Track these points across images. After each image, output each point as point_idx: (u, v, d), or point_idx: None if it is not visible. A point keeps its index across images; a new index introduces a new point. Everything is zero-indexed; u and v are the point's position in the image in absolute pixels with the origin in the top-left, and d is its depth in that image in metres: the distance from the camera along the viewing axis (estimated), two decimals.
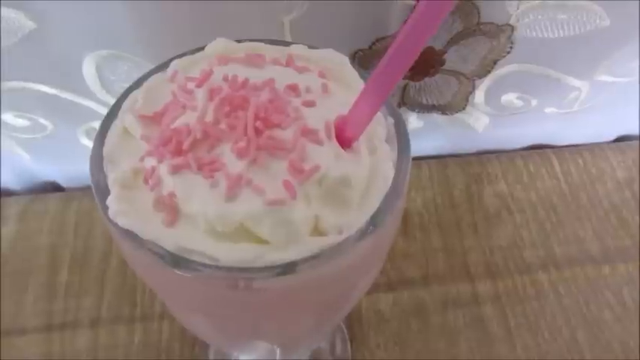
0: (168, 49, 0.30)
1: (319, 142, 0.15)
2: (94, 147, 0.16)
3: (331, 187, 0.15)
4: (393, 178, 0.16)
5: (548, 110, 0.39)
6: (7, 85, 0.32)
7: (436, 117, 0.38)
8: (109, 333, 0.35)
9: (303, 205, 0.14)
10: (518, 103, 0.37)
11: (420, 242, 0.39)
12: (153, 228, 0.14)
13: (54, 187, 0.42)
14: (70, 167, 0.39)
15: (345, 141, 0.16)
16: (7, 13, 0.28)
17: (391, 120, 0.17)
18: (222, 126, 0.15)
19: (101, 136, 0.16)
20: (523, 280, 0.37)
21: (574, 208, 0.41)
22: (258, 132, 0.14)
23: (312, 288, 0.15)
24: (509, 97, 0.37)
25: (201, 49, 0.19)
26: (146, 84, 0.17)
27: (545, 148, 0.44)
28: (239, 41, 0.19)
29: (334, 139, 0.15)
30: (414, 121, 0.38)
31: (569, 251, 0.39)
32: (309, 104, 0.16)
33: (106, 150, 0.16)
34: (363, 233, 0.15)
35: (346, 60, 0.18)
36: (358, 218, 0.15)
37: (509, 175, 0.42)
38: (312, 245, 0.14)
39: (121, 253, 0.16)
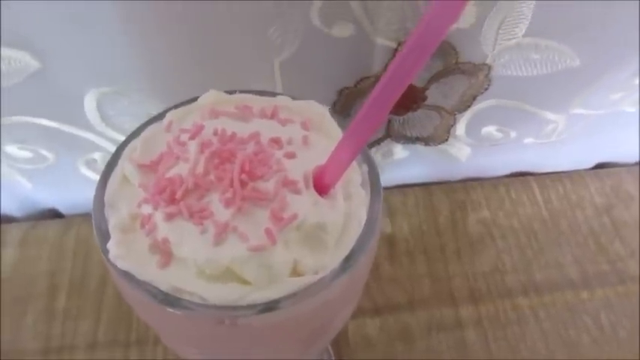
0: (167, 87, 0.33)
1: (298, 192, 0.16)
2: (96, 192, 0.18)
3: (309, 232, 0.16)
4: (366, 221, 0.18)
5: (527, 141, 0.41)
6: (12, 119, 0.34)
7: (420, 147, 0.40)
8: (106, 356, 0.36)
9: (282, 250, 0.16)
10: (498, 134, 0.39)
11: (406, 268, 0.41)
12: (148, 270, 0.16)
13: (54, 214, 0.43)
14: (70, 195, 0.41)
15: (323, 188, 0.18)
16: (13, 53, 0.30)
17: (365, 167, 0.19)
18: (212, 177, 0.16)
19: (103, 183, 0.18)
20: (504, 305, 0.39)
21: (554, 234, 0.43)
22: (243, 184, 0.16)
23: (292, 323, 0.17)
24: (489, 130, 0.39)
25: (195, 99, 0.21)
26: (144, 134, 0.19)
27: (527, 175, 0.46)
28: (230, 92, 0.21)
29: (312, 188, 0.17)
30: (399, 151, 0.40)
31: (549, 276, 0.41)
32: (290, 156, 0.17)
33: (107, 196, 0.18)
34: (337, 273, 0.16)
35: (326, 111, 0.20)
36: (333, 259, 0.17)
37: (492, 202, 0.44)
38: (291, 285, 0.16)
39: (118, 289, 0.18)
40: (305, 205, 0.16)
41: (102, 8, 0.27)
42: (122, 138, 0.36)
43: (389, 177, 0.44)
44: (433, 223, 0.43)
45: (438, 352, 0.37)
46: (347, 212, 0.18)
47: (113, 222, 0.17)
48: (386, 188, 0.45)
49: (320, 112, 0.20)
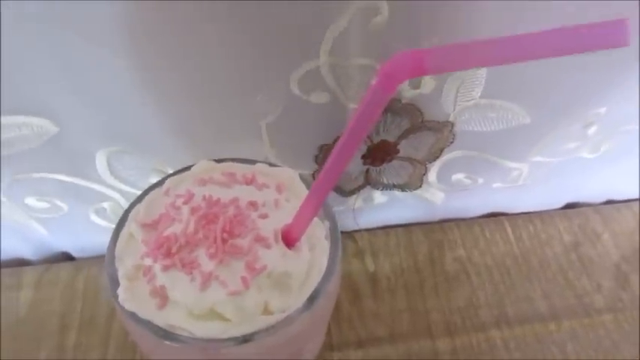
0: (168, 145, 0.37)
1: (268, 247, 0.21)
2: (108, 248, 0.22)
3: (277, 279, 0.21)
4: (326, 268, 0.22)
5: (495, 185, 0.45)
6: (32, 175, 0.38)
7: (398, 193, 0.45)
8: None
9: (255, 294, 0.20)
10: (467, 181, 0.43)
11: (388, 303, 0.45)
12: (149, 310, 0.20)
13: (66, 257, 0.48)
14: (81, 240, 0.46)
15: (290, 242, 0.22)
16: (35, 120, 0.35)
17: (327, 223, 0.23)
18: (200, 235, 0.21)
19: (114, 240, 0.22)
20: (478, 338, 0.43)
21: (525, 271, 0.47)
22: (224, 241, 0.20)
23: (265, 353, 0.21)
24: (459, 177, 0.43)
25: (189, 168, 0.25)
26: (147, 198, 0.24)
27: (500, 215, 0.50)
28: (219, 161, 0.26)
29: (281, 243, 0.21)
30: (378, 196, 0.45)
31: (519, 310, 0.44)
32: (264, 216, 0.22)
33: (117, 251, 0.22)
34: (301, 311, 0.21)
35: (296, 175, 0.25)
36: (297, 300, 0.21)
37: (467, 241, 0.48)
38: (262, 323, 0.20)
39: (124, 326, 0.22)
40: (274, 257, 0.21)
41: (112, 81, 0.32)
42: (128, 189, 0.41)
43: (372, 219, 0.48)
44: (413, 262, 0.47)
45: None
46: (310, 261, 0.22)
47: (121, 272, 0.21)
48: (369, 229, 0.49)
49: (291, 176, 0.25)
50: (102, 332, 0.43)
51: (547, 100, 0.37)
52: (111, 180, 0.40)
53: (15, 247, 0.46)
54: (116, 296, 0.20)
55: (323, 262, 0.22)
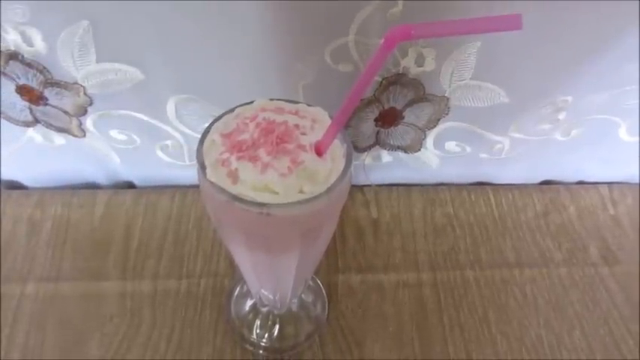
0: (223, 97, 0.49)
1: (305, 151, 0.32)
2: (198, 148, 0.34)
3: (309, 173, 0.32)
4: (341, 173, 0.33)
5: (482, 155, 0.56)
6: (119, 112, 0.50)
7: (401, 155, 0.56)
8: (164, 284, 0.52)
9: (295, 179, 0.31)
10: (457, 149, 0.55)
11: (385, 243, 0.56)
12: (226, 184, 0.32)
13: (129, 186, 0.60)
14: (144, 172, 0.58)
15: (319, 152, 0.33)
16: (128, 68, 0.47)
17: (345, 146, 0.35)
18: (261, 140, 0.32)
19: (201, 143, 0.34)
20: (455, 274, 0.54)
21: (500, 229, 0.58)
22: (277, 144, 0.32)
23: (297, 217, 0.32)
24: (451, 144, 0.54)
25: (252, 102, 0.37)
26: (222, 119, 0.35)
27: (486, 184, 0.61)
28: (272, 99, 0.37)
29: (313, 151, 0.33)
30: (385, 156, 0.56)
31: (492, 258, 0.55)
32: (303, 133, 0.33)
33: (204, 149, 0.34)
34: (322, 196, 0.32)
35: (326, 114, 0.36)
36: (321, 189, 0.32)
37: (455, 201, 0.60)
38: (297, 197, 0.31)
39: (204, 206, 0.34)
40: (309, 158, 0.32)
41: (189, 44, 0.44)
42: (188, 131, 0.53)
43: (379, 177, 0.60)
44: (409, 214, 0.58)
45: (401, 301, 0.52)
46: (331, 167, 0.33)
47: (207, 162, 0.33)
48: (378, 185, 0.60)
49: (323, 113, 0.36)
50: (157, 242, 0.55)
51: (522, 84, 0.48)
52: (176, 122, 0.52)
53: (93, 173, 0.58)
54: (205, 174, 0.32)
55: (339, 169, 0.33)
